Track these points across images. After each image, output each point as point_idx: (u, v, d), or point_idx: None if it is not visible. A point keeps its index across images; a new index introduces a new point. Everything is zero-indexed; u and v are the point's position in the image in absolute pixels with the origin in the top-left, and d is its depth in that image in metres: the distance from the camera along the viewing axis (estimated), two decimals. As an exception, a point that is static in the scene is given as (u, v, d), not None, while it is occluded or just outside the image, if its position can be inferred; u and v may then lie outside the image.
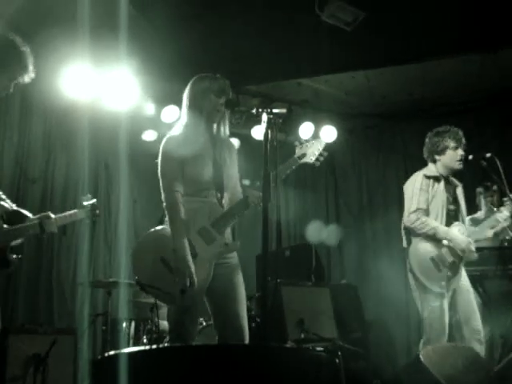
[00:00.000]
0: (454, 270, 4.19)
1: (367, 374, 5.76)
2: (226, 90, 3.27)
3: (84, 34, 4.76)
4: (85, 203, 3.84)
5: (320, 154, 3.25)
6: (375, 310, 6.98)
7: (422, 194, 4.27)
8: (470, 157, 4.36)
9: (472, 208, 5.56)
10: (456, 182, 4.50)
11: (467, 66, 6.29)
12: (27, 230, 3.46)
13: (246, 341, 3.11)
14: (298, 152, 3.26)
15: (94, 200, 3.90)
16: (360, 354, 5.66)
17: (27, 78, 3.22)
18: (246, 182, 7.51)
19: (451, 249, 4.21)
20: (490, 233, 4.59)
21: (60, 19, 4.91)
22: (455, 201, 4.41)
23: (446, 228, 4.23)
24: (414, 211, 4.23)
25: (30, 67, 3.19)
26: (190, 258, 3.01)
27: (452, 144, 4.36)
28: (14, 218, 3.44)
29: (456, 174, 4.49)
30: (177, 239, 3.05)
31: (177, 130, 3.31)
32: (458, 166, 4.37)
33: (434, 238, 4.21)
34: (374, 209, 7.42)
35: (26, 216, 3.50)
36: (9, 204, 3.44)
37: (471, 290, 4.31)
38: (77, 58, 5.45)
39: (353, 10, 5.07)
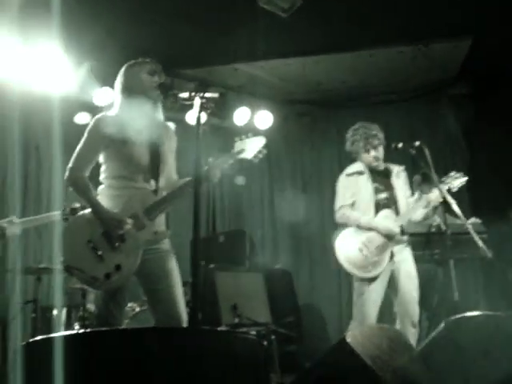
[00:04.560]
0: (384, 252, 4.29)
1: (300, 358, 5.87)
2: (158, 71, 3.24)
3: (12, 9, 4.59)
4: None
5: (259, 152, 3.28)
6: (309, 294, 7.10)
7: (347, 191, 4.46)
8: (400, 145, 4.45)
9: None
10: (391, 168, 4.59)
11: (400, 57, 6.44)
12: None
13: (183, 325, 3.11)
14: (238, 147, 3.27)
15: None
16: (293, 337, 5.76)
17: None
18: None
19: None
20: (420, 213, 4.56)
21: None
22: (388, 188, 4.51)
23: (368, 218, 4.34)
24: (339, 208, 4.46)
25: None
26: (113, 213, 3.06)
27: (367, 146, 4.51)
28: None
29: (387, 160, 4.61)
30: (95, 206, 3.07)
31: (111, 112, 3.25)
32: (374, 164, 4.53)
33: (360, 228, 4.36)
34: (308, 195, 7.52)
35: None
36: None
37: (413, 274, 4.37)
38: (4, 35, 5.23)
39: (290, -3, 5.07)
